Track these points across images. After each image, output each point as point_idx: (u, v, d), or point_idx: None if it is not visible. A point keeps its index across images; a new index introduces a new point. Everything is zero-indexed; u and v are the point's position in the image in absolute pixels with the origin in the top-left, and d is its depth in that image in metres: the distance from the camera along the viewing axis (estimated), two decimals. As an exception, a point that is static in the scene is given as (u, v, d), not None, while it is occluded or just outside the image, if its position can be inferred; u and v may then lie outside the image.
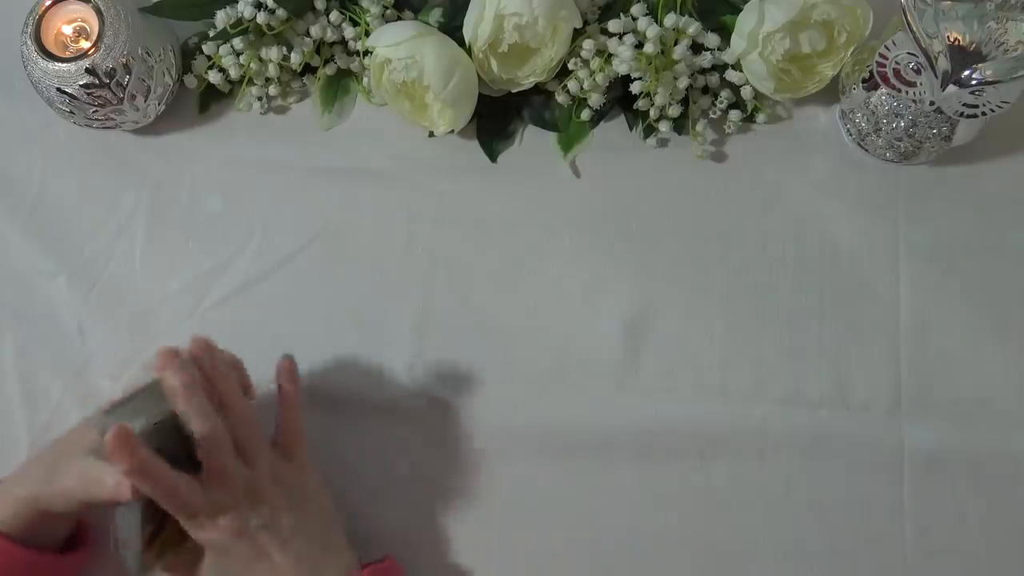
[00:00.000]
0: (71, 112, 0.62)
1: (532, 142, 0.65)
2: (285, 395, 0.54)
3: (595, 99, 0.62)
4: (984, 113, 0.54)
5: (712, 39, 0.61)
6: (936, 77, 0.53)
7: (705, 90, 0.64)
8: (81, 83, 0.60)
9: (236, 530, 0.48)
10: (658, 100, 0.61)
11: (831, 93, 0.63)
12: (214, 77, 0.65)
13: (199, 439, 0.47)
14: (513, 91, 0.63)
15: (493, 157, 0.65)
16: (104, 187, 0.66)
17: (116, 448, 0.44)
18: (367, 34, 0.63)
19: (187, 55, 0.66)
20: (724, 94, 0.63)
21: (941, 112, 0.56)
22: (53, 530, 0.53)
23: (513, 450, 0.59)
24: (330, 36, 0.64)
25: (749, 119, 0.64)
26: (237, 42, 0.63)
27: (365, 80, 0.66)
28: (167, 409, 0.47)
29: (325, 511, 0.53)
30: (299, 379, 0.55)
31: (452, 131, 0.63)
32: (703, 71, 0.63)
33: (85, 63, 0.60)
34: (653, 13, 0.60)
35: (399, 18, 0.64)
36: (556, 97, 0.64)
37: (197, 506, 0.46)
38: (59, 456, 0.51)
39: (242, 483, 0.48)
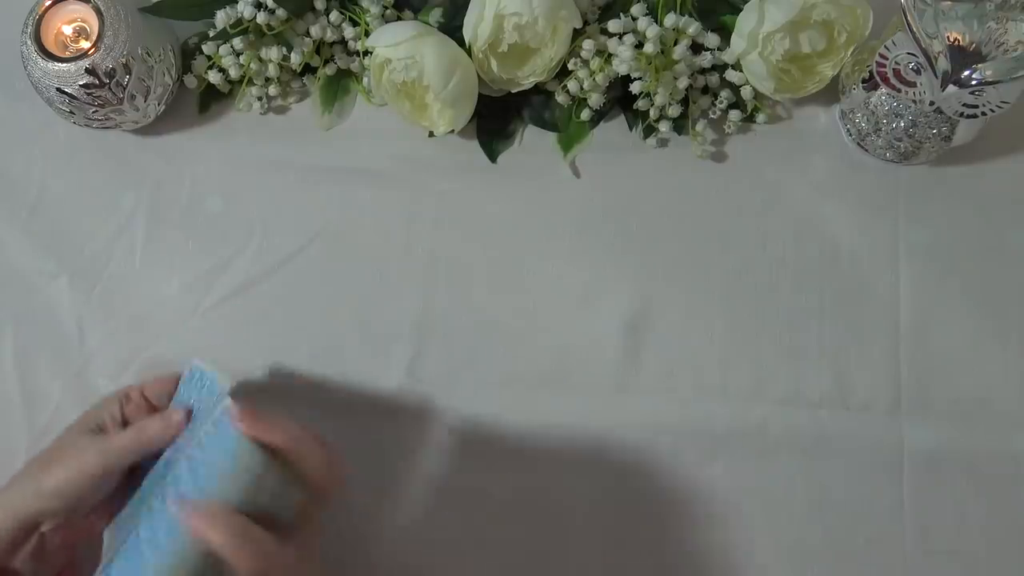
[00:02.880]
0: (71, 112, 0.62)
1: (532, 142, 0.65)
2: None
3: (595, 99, 0.62)
4: (984, 113, 0.54)
5: (712, 39, 0.61)
6: (936, 77, 0.53)
7: (705, 90, 0.64)
8: (81, 83, 0.60)
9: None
10: (658, 100, 0.61)
11: (831, 93, 0.63)
12: (214, 77, 0.65)
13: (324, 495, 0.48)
14: (513, 91, 0.63)
15: (493, 157, 0.65)
16: (104, 187, 0.66)
17: (211, 527, 0.44)
18: (367, 34, 0.63)
19: (187, 55, 0.66)
20: (724, 94, 0.63)
21: (941, 112, 0.56)
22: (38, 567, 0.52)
23: (513, 450, 0.59)
24: (330, 36, 0.64)
25: (749, 119, 0.64)
26: (237, 42, 0.63)
27: (365, 80, 0.66)
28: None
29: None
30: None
31: (452, 131, 0.63)
32: (703, 71, 0.63)
33: (85, 63, 0.60)
34: (653, 13, 0.60)
35: (399, 18, 0.64)
36: (556, 97, 0.64)
37: (273, 559, 0.45)
38: (60, 447, 0.51)
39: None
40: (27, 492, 0.49)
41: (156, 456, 0.51)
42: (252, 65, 0.64)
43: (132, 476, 0.52)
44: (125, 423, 0.53)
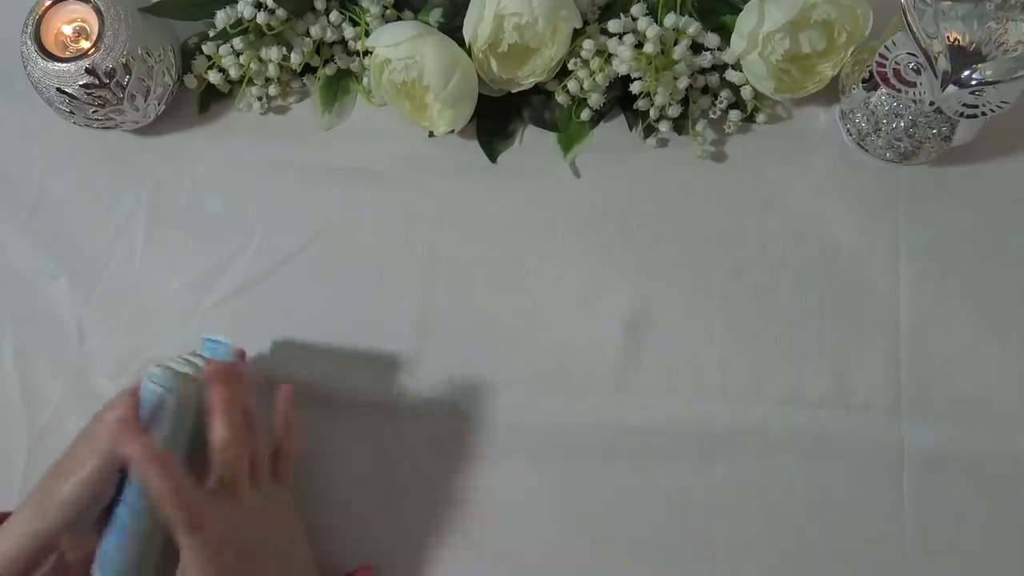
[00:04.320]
0: (71, 112, 0.62)
1: (532, 142, 0.65)
2: (286, 418, 0.55)
3: (595, 99, 0.62)
4: (984, 113, 0.54)
5: (712, 39, 0.61)
6: (936, 77, 0.53)
7: (705, 90, 0.64)
8: (81, 83, 0.60)
9: (247, 551, 0.48)
10: (658, 100, 0.61)
11: (831, 93, 0.63)
12: (214, 77, 0.65)
13: (225, 453, 0.49)
14: (513, 91, 0.63)
15: (493, 157, 0.65)
16: (104, 187, 0.66)
17: (119, 432, 0.47)
18: (367, 34, 0.63)
19: (187, 55, 0.66)
20: (724, 94, 0.63)
21: (941, 112, 0.56)
22: None
23: (513, 450, 0.59)
24: (330, 36, 0.64)
25: (749, 119, 0.64)
26: (237, 42, 0.63)
27: (365, 80, 0.66)
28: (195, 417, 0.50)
29: (299, 527, 0.54)
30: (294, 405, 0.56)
31: (452, 131, 0.63)
32: (703, 71, 0.63)
33: (85, 63, 0.60)
34: (653, 13, 0.60)
35: (399, 18, 0.64)
36: (556, 97, 0.64)
37: (201, 511, 0.47)
38: (59, 467, 0.51)
39: (245, 497, 0.49)
40: (44, 507, 0.49)
41: None
42: (252, 65, 0.64)
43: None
44: None
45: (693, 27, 0.60)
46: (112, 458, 0.49)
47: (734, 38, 0.60)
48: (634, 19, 0.60)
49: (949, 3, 0.52)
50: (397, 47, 0.58)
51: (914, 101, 0.56)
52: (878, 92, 0.58)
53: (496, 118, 0.65)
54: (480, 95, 0.62)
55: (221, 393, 0.50)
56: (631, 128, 0.64)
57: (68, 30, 0.62)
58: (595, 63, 0.61)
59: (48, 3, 0.61)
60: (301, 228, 0.64)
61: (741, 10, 0.60)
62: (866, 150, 0.63)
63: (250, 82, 0.66)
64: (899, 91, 0.56)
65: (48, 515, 0.49)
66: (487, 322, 0.61)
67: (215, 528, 0.47)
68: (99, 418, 0.52)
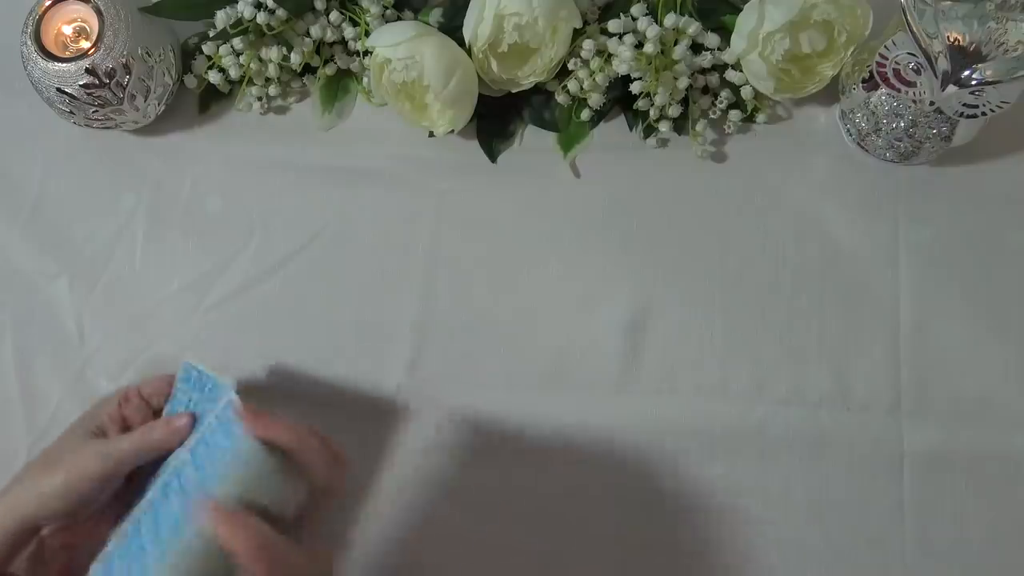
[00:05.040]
0: (71, 112, 0.62)
1: (532, 142, 0.65)
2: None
3: (595, 99, 0.62)
4: (984, 113, 0.54)
5: (712, 39, 0.61)
6: (936, 77, 0.53)
7: (705, 90, 0.64)
8: (81, 83, 0.60)
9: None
10: (658, 100, 0.61)
11: (831, 93, 0.63)
12: (214, 77, 0.65)
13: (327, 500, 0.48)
14: (513, 91, 0.63)
15: (493, 157, 0.65)
16: (104, 187, 0.66)
17: (224, 524, 0.44)
18: (367, 34, 0.63)
19: (187, 55, 0.66)
20: (724, 94, 0.63)
21: (941, 112, 0.56)
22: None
23: (513, 450, 0.59)
24: (330, 36, 0.64)
25: (749, 119, 0.64)
26: (237, 42, 0.63)
27: (365, 80, 0.66)
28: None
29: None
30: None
31: (452, 131, 0.63)
32: (703, 71, 0.63)
33: (85, 63, 0.60)
34: (653, 13, 0.60)
35: (399, 18, 0.64)
36: (556, 97, 0.64)
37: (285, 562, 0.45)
38: (59, 451, 0.50)
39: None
40: (28, 495, 0.48)
41: (158, 460, 0.51)
42: (252, 65, 0.64)
43: (133, 478, 0.52)
44: (124, 424, 0.53)
45: (693, 27, 0.60)
46: (122, 466, 0.49)
47: (734, 38, 0.60)
48: (634, 19, 0.60)
49: (949, 3, 0.52)
50: (397, 47, 0.58)
51: (914, 101, 0.56)
52: (878, 92, 0.58)
53: (496, 118, 0.65)
54: (480, 95, 0.62)
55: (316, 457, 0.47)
56: (631, 128, 0.64)
57: (68, 30, 0.62)
58: (595, 63, 0.61)
59: (48, 3, 0.61)
60: (301, 228, 0.64)
61: (741, 10, 0.60)
62: (866, 150, 0.63)
63: (250, 82, 0.66)
64: (899, 91, 0.56)
65: (43, 502, 0.48)
66: (487, 322, 0.61)
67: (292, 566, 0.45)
68: (101, 412, 0.51)
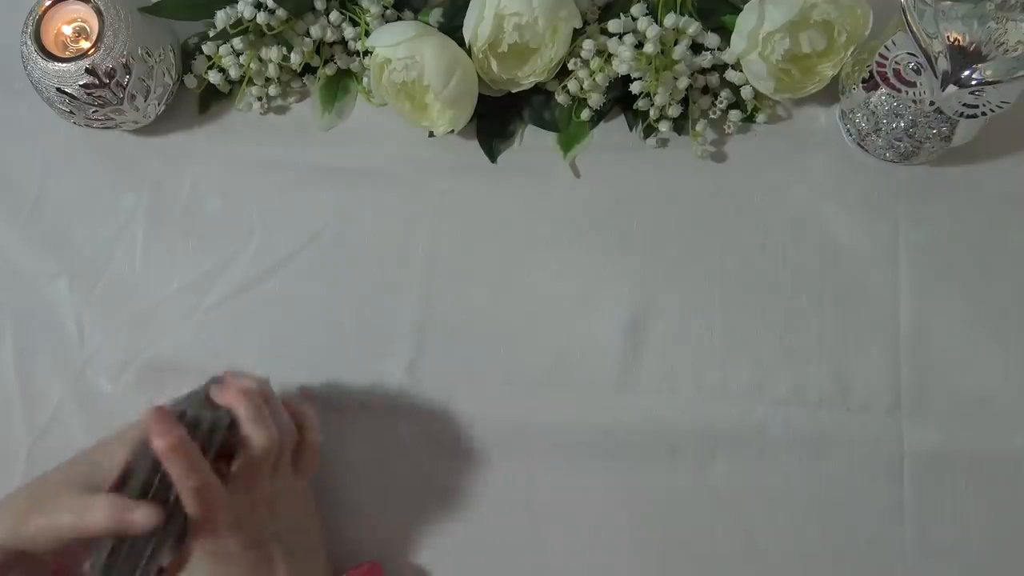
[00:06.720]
0: (71, 112, 0.62)
1: (532, 142, 0.65)
2: (310, 420, 0.53)
3: (595, 99, 0.62)
4: (984, 113, 0.54)
5: (712, 39, 0.61)
6: (936, 77, 0.53)
7: (705, 90, 0.64)
8: (81, 83, 0.60)
9: (252, 540, 0.48)
10: (658, 100, 0.61)
11: (831, 93, 0.63)
12: (214, 77, 0.65)
13: (253, 447, 0.48)
14: (513, 91, 0.63)
15: (493, 157, 0.65)
16: (104, 187, 0.66)
17: (155, 421, 0.44)
18: (367, 34, 0.63)
19: (187, 55, 0.66)
20: (724, 94, 0.63)
21: (941, 112, 0.56)
22: None
23: (513, 450, 0.59)
24: (330, 36, 0.64)
25: (749, 119, 0.64)
26: (237, 42, 0.63)
27: (365, 80, 0.66)
28: (217, 413, 0.48)
29: (314, 520, 0.54)
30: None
31: (452, 131, 0.63)
32: (703, 71, 0.63)
33: (85, 63, 0.60)
34: (653, 13, 0.60)
35: (399, 18, 0.64)
36: (556, 97, 0.64)
37: (218, 507, 0.46)
38: (46, 492, 0.48)
39: (267, 494, 0.49)
40: (8, 526, 0.46)
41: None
42: (252, 65, 0.64)
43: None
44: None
45: (693, 27, 0.60)
46: (93, 532, 0.45)
47: (734, 38, 0.60)
48: (634, 19, 0.60)
49: (949, 3, 0.52)
50: (397, 47, 0.58)
51: (914, 101, 0.56)
52: (878, 92, 0.58)
53: (496, 118, 0.65)
54: (480, 95, 0.62)
55: (244, 384, 0.49)
56: (631, 128, 0.64)
57: (68, 30, 0.62)
58: (595, 63, 0.61)
59: (48, 3, 0.61)
60: (301, 228, 0.64)
61: (741, 10, 0.60)
62: (866, 150, 0.63)
63: (250, 82, 0.66)
64: (899, 91, 0.56)
65: (20, 541, 0.46)
66: (487, 322, 0.61)
67: (224, 517, 0.46)
68: (104, 463, 0.49)
